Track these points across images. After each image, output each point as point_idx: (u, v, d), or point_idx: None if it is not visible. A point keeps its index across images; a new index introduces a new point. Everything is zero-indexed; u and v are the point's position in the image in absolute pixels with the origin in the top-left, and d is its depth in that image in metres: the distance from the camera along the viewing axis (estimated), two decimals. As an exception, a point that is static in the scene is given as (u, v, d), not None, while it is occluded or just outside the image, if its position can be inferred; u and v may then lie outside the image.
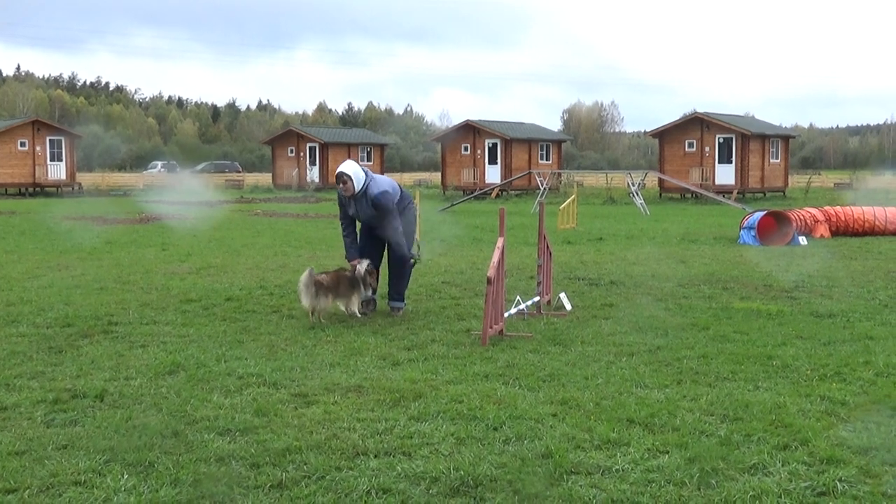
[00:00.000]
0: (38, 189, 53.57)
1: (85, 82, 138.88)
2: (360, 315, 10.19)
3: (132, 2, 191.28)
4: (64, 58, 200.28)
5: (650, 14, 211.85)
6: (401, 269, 10.56)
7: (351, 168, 10.34)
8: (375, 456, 5.51)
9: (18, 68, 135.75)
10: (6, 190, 53.72)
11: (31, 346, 8.66)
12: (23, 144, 53.49)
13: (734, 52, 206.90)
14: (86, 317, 10.17)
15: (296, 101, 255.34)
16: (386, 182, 10.51)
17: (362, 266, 10.18)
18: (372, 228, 10.55)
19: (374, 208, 10.24)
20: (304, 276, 9.93)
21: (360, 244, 10.61)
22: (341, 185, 10.30)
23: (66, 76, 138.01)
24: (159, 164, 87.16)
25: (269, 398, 6.79)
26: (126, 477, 5.13)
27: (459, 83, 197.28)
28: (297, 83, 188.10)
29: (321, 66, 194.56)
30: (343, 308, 10.25)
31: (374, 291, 10.52)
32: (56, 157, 54.57)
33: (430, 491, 4.99)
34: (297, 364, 7.89)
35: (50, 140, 54.46)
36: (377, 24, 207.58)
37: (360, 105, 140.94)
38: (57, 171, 54.52)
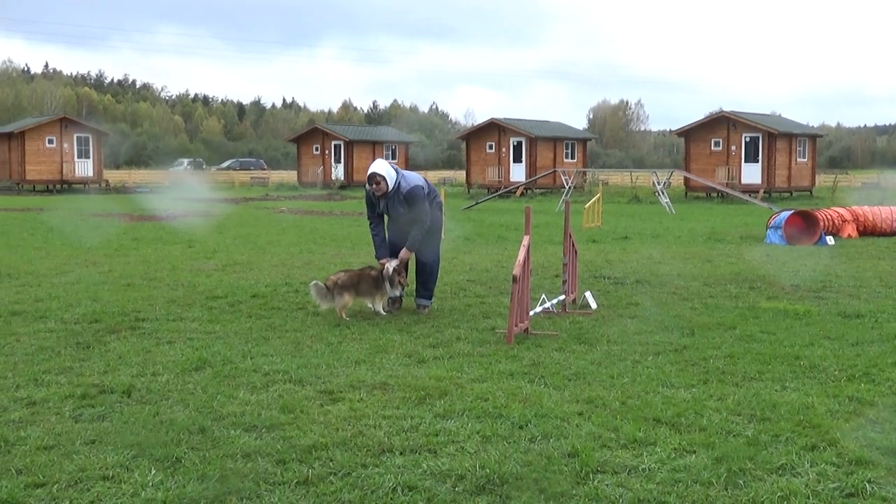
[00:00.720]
0: (66, 186, 54.04)
1: (112, 80, 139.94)
2: (384, 313, 10.20)
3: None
4: (90, 55, 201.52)
5: (675, 11, 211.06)
6: (429, 266, 10.56)
7: (383, 168, 10.34)
8: (401, 453, 5.51)
9: (46, 66, 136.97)
10: (34, 186, 54.23)
11: (59, 341, 8.72)
12: (51, 142, 53.99)
13: (760, 51, 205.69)
14: (113, 313, 10.24)
15: (321, 98, 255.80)
16: (415, 177, 10.52)
17: (391, 265, 10.19)
18: (399, 226, 10.54)
19: (406, 203, 10.27)
20: (311, 292, 10.13)
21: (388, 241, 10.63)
22: (374, 186, 10.29)
23: (93, 74, 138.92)
24: (185, 161, 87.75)
25: (295, 395, 6.81)
26: (153, 472, 5.16)
27: (483, 80, 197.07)
28: (322, 81, 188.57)
29: (345, 64, 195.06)
30: (369, 305, 10.29)
31: (404, 289, 10.50)
32: (83, 154, 55.06)
33: (456, 489, 4.99)
34: (322, 361, 7.91)
35: (77, 137, 54.95)
36: (399, 21, 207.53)
37: (384, 103, 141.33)
38: (84, 168, 54.99)
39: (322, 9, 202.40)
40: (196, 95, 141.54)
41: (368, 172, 10.36)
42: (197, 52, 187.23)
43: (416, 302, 10.61)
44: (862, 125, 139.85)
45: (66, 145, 54.17)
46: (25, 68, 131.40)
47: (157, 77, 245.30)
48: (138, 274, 13.77)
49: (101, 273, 13.90)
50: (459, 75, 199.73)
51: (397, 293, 10.35)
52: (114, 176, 62.62)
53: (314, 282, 10.20)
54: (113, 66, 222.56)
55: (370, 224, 10.66)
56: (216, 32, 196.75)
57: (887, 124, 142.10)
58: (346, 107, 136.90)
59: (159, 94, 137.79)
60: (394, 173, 10.31)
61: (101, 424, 6.08)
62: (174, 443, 5.65)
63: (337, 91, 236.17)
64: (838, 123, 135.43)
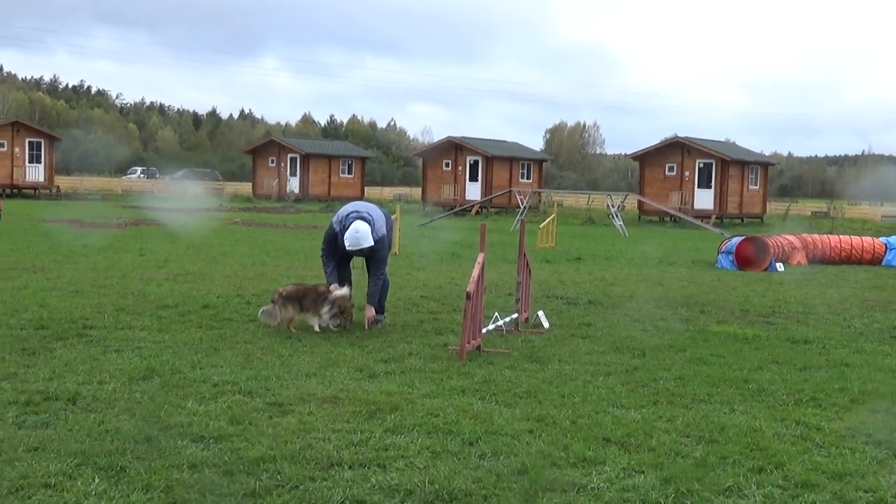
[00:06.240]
0: (16, 191, 53.20)
1: (67, 85, 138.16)
2: (317, 329, 10.04)
3: (100, 3, 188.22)
4: (44, 60, 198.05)
5: (631, 35, 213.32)
6: (379, 282, 10.52)
7: (368, 237, 10.11)
8: (350, 467, 5.47)
9: (0, 69, 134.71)
10: (-17, 190, 53.33)
11: (4, 347, 8.56)
12: (1, 145, 53.15)
13: (716, 77, 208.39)
14: (60, 319, 10.08)
15: (279, 111, 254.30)
16: (379, 220, 10.41)
17: (340, 292, 10.10)
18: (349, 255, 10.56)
19: (371, 249, 10.23)
20: (261, 318, 10.11)
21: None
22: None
23: (47, 78, 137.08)
24: (139, 169, 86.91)
25: (244, 406, 6.74)
26: (97, 481, 5.07)
27: (437, 98, 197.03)
28: (281, 94, 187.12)
29: (303, 78, 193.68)
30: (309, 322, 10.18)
31: (340, 325, 10.20)
32: (35, 159, 54.27)
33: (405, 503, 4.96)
34: (272, 373, 7.84)
35: (29, 142, 54.16)
36: (349, 36, 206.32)
37: (343, 117, 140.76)
38: (35, 174, 54.20)
39: (274, 19, 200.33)
40: (152, 104, 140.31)
41: (358, 245, 10.10)
42: (135, 58, 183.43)
43: (369, 316, 10.57)
44: (812, 155, 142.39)
45: (17, 150, 53.38)
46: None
47: (112, 84, 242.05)
48: (87, 281, 13.58)
49: (50, 279, 13.69)
50: (413, 92, 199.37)
51: (330, 324, 10.13)
52: (65, 182, 61.80)
53: (262, 308, 10.26)
54: (67, 71, 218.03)
55: (323, 257, 10.51)
56: (154, 39, 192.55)
57: (837, 155, 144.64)
58: (306, 120, 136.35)
59: (114, 101, 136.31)
60: (371, 233, 10.16)
61: (44, 432, 5.98)
62: (119, 452, 5.56)
63: (296, 104, 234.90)
64: (789, 153, 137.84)
